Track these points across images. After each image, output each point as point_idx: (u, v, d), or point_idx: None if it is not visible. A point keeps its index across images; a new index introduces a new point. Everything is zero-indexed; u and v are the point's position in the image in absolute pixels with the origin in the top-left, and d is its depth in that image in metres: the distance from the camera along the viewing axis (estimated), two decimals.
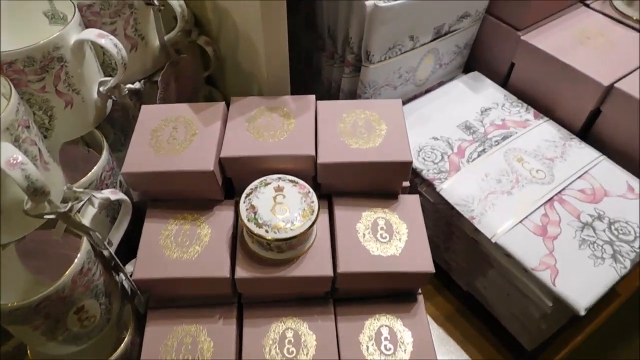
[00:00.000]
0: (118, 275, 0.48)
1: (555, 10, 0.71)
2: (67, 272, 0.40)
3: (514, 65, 0.70)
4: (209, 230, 0.48)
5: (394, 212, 0.50)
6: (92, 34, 0.45)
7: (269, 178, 0.47)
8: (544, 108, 0.67)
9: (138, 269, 0.46)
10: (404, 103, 0.53)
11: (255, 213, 0.44)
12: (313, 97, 0.53)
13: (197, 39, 0.59)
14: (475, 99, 0.69)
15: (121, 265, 0.46)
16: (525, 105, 0.67)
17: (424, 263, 0.46)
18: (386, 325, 0.47)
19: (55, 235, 0.41)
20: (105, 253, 0.45)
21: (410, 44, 0.60)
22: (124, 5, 0.50)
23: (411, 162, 0.48)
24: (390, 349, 0.46)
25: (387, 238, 0.47)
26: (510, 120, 0.65)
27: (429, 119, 0.66)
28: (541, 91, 0.68)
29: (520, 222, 0.54)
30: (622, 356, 0.72)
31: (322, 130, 0.50)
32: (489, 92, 0.70)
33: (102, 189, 0.47)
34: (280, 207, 0.44)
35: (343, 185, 0.50)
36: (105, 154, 0.50)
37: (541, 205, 0.55)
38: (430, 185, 0.59)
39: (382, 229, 0.48)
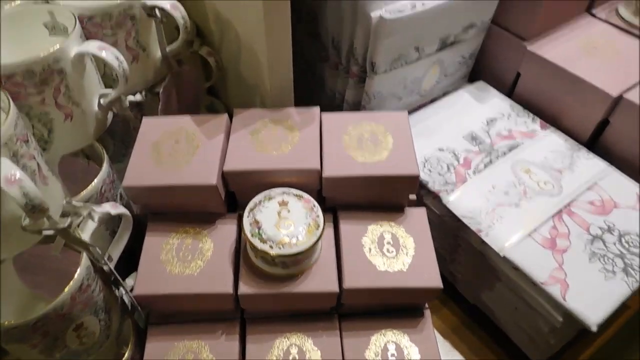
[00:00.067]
0: (118, 290, 0.47)
1: (562, 20, 0.70)
2: (65, 290, 0.39)
3: (519, 75, 0.70)
4: (212, 245, 0.47)
5: (401, 225, 0.49)
6: (93, 46, 0.44)
7: (273, 192, 0.46)
8: (550, 118, 0.67)
9: (139, 284, 0.45)
10: (408, 113, 0.52)
11: (259, 228, 0.43)
12: (317, 109, 0.52)
13: (199, 49, 0.59)
14: (481, 109, 0.68)
15: (121, 280, 0.45)
16: (531, 115, 0.67)
17: (432, 278, 0.45)
18: (392, 341, 0.46)
19: (54, 251, 0.40)
20: (105, 268, 0.44)
21: (415, 55, 0.59)
22: (125, 16, 0.49)
23: (418, 176, 0.47)
24: None
25: (394, 252, 0.46)
26: (516, 131, 0.64)
27: (434, 129, 0.65)
28: (547, 101, 0.67)
29: (529, 235, 0.53)
30: None
31: (327, 143, 0.49)
32: (495, 102, 0.69)
33: (102, 202, 0.46)
34: (285, 222, 0.43)
35: (348, 199, 0.49)
36: (105, 166, 0.49)
37: (550, 218, 0.55)
38: (436, 197, 0.58)
39: (388, 243, 0.47)
